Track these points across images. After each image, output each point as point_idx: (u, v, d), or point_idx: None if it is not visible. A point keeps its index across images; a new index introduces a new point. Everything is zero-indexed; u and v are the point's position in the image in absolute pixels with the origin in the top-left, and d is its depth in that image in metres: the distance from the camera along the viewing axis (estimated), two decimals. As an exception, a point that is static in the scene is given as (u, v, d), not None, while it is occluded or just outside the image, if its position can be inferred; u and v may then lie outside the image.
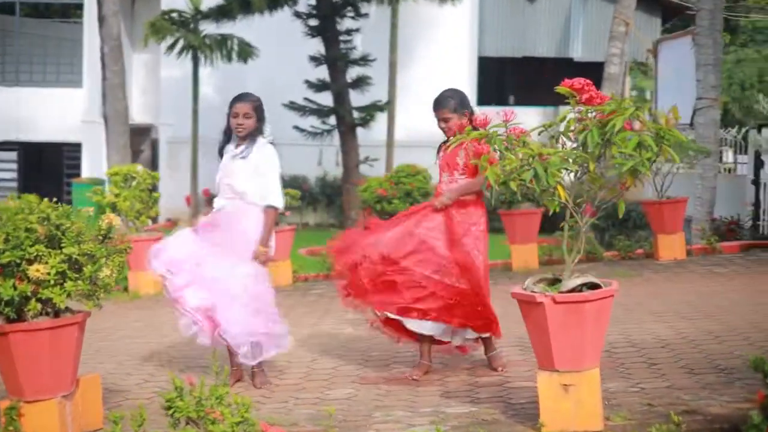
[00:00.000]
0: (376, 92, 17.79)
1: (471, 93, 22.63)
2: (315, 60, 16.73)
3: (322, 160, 21.74)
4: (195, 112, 19.72)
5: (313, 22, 16.83)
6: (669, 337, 6.87)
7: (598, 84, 25.41)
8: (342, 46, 16.70)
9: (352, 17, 16.94)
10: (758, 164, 14.20)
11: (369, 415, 5.39)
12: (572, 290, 4.69)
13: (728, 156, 19.84)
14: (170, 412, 4.47)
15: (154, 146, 24.14)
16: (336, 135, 18.01)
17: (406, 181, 10.84)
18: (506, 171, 4.49)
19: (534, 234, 11.19)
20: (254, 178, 6.20)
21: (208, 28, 18.10)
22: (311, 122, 18.19)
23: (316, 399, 5.88)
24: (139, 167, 11.43)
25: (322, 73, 17.54)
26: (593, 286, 4.74)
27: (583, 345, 4.67)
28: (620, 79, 19.43)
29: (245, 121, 6.24)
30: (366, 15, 16.94)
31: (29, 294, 4.76)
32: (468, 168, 6.08)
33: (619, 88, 19.35)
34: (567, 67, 22.69)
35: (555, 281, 4.94)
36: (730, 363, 5.94)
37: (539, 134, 4.85)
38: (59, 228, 4.78)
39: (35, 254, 4.74)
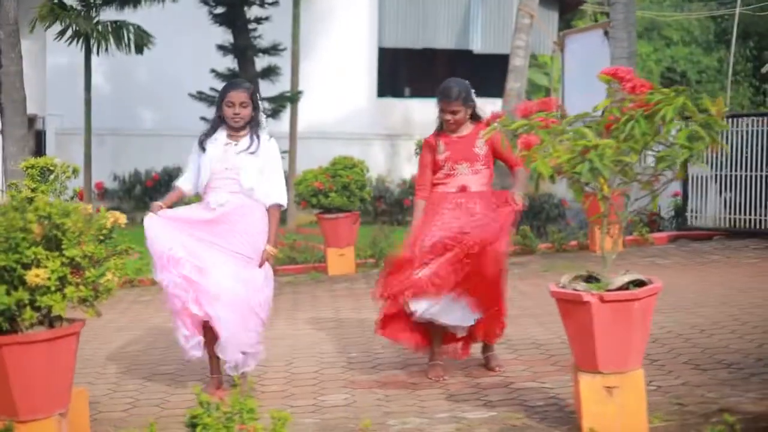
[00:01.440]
0: (279, 83, 17.33)
1: (371, 84, 22.40)
2: (223, 49, 16.13)
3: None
4: (87, 102, 18.75)
5: (220, 10, 16.22)
6: (653, 332, 6.74)
7: (500, 76, 25.31)
8: (251, 34, 16.15)
9: (260, 5, 16.40)
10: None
11: (383, 423, 5.06)
12: (620, 288, 4.47)
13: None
14: (197, 430, 4.05)
15: (39, 138, 22.98)
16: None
17: (343, 173, 10.48)
18: (557, 163, 4.22)
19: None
20: (260, 175, 5.83)
21: (107, 14, 17.24)
22: (207, 112, 17.53)
23: (313, 407, 5.51)
24: (57, 159, 10.69)
25: (224, 62, 16.95)
26: (638, 283, 4.54)
27: (628, 345, 4.46)
28: (525, 72, 19.52)
29: (242, 111, 5.82)
30: (276, 3, 16.43)
31: (26, 302, 4.25)
32: (486, 157, 5.93)
33: (524, 80, 19.44)
34: (467, 59, 22.71)
35: (589, 278, 4.73)
36: (733, 358, 5.85)
37: (570, 125, 4.62)
38: (59, 227, 4.28)
39: (33, 257, 4.23)
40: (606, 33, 16.20)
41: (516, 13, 18.33)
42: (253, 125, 5.89)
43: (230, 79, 16.16)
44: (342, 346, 7.02)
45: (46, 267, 4.23)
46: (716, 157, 11.59)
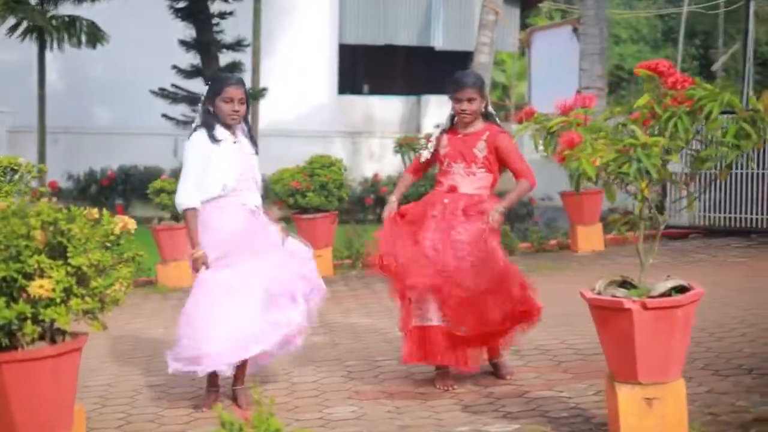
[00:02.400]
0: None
1: (332, 82, 22.08)
2: (185, 45, 15.69)
3: (177, 151, 20.67)
4: (41, 99, 18.20)
5: (182, 4, 15.78)
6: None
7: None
8: (214, 29, 15.73)
9: (223, 0, 16.00)
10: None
11: (402, 437, 4.79)
12: (662, 294, 4.25)
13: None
14: (221, 453, 3.73)
15: (-15, 135, 22.32)
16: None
17: (321, 172, 10.16)
18: (601, 163, 3.98)
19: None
20: None
21: (64, 8, 16.71)
22: (167, 109, 17.07)
23: (321, 420, 5.22)
24: (21, 159, 10.24)
25: (185, 58, 16.52)
26: (679, 289, 4.32)
27: (669, 354, 4.24)
28: (490, 69, 19.37)
29: (241, 108, 5.51)
30: (240, -3, 16.05)
31: (27, 315, 3.90)
32: (487, 161, 5.61)
33: (489, 77, 19.29)
34: (428, 56, 22.49)
35: (624, 283, 4.50)
36: (752, 363, 5.66)
37: (605, 121, 4.39)
38: (64, 234, 3.93)
39: (36, 267, 3.88)
40: (575, 30, 16.11)
41: (480, 9, 18.15)
42: (244, 124, 5.63)
43: (193, 76, 15.77)
44: (338, 354, 6.73)
45: (50, 277, 3.90)
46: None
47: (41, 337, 4.06)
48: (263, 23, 17.60)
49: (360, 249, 10.77)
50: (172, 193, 10.63)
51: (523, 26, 25.43)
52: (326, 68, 21.71)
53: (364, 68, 23.22)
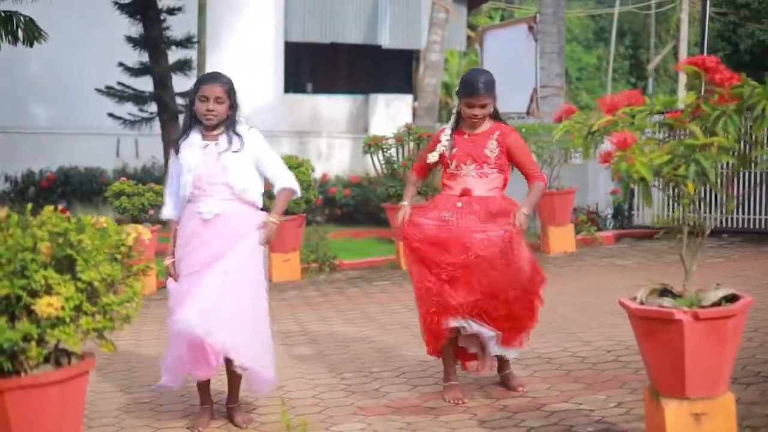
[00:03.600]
0: (194, 78, 16.42)
1: (277, 80, 21.63)
2: (132, 41, 15.11)
3: (119, 151, 20.08)
4: (-24, 98, 17.57)
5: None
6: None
7: (408, 72, 25.00)
8: (163, 25, 15.18)
9: (172, -6, 15.47)
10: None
11: (423, 458, 4.49)
12: (713, 304, 4.01)
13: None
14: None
15: None
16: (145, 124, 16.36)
17: (288, 174, 9.76)
18: (654, 165, 3.72)
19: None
20: (252, 171, 5.14)
21: (4, 4, 16.01)
22: (111, 108, 16.46)
23: (330, 439, 4.90)
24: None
25: (132, 55, 15.95)
26: (729, 298, 4.08)
27: (719, 367, 4.00)
28: (441, 67, 19.17)
29: (217, 107, 5.09)
30: (189, -8, 15.54)
31: (33, 336, 3.51)
32: (499, 161, 5.32)
33: (440, 76, 19.09)
34: (374, 54, 22.17)
35: (664, 292, 4.26)
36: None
37: (646, 119, 4.14)
38: (73, 246, 3.54)
39: (43, 283, 3.49)
40: (531, 28, 15.95)
41: (426, 8, 17.97)
42: (228, 124, 5.18)
43: (141, 73, 15.20)
44: (330, 366, 6.39)
45: (58, 294, 3.51)
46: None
47: (45, 359, 3.67)
48: (209, 20, 17.12)
49: (327, 253, 10.44)
50: (132, 195, 10.20)
51: (469, 25, 25.26)
52: (272, 66, 21.28)
53: (310, 66, 22.80)
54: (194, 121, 5.20)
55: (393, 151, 10.96)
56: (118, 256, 3.73)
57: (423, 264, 5.26)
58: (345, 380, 5.98)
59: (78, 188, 19.69)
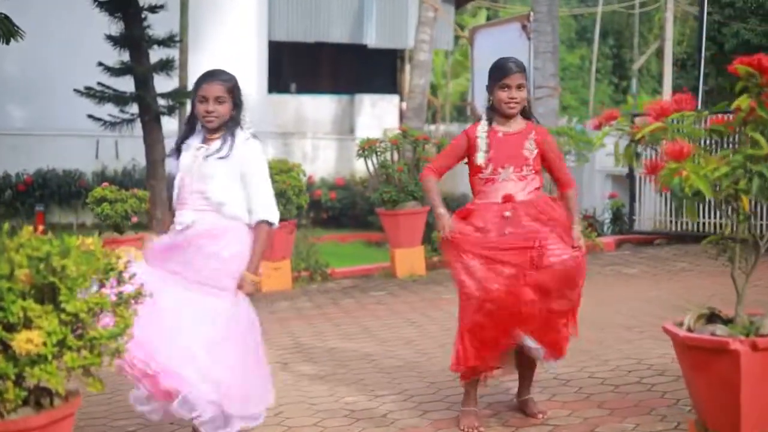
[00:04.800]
0: (176, 77, 15.93)
1: (261, 80, 21.18)
2: (113, 40, 14.60)
3: (99, 153, 19.57)
4: (-49, 98, 17.03)
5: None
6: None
7: (393, 72, 24.60)
8: (145, 24, 14.68)
9: (153, -7, 14.95)
10: (633, 157, 13.89)
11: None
12: (772, 332, 3.61)
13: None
14: None
15: None
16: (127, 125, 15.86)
17: (279, 178, 9.35)
18: (711, 177, 3.31)
19: (419, 236, 10.07)
20: (236, 184, 4.62)
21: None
22: (90, 109, 15.94)
23: (338, 475, 4.47)
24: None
25: (113, 54, 15.45)
26: (785, 324, 3.69)
27: (776, 401, 3.61)
28: (429, 67, 18.78)
29: (217, 108, 4.63)
30: (171, -10, 15.04)
31: (11, 376, 3.07)
32: (536, 162, 4.89)
33: (428, 75, 18.69)
34: (360, 54, 21.76)
35: (712, 317, 3.86)
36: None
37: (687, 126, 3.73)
38: (55, 272, 3.10)
39: (21, 315, 3.05)
40: (524, 27, 15.52)
41: (412, 7, 17.57)
42: (230, 125, 4.75)
43: (122, 73, 14.69)
44: (329, 387, 5.95)
45: (39, 328, 3.06)
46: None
47: (24, 401, 3.22)
48: (191, 18, 16.67)
49: (319, 261, 10.01)
50: (115, 202, 9.73)
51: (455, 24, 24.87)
52: (255, 66, 20.84)
53: (294, 66, 22.36)
54: (197, 122, 4.77)
55: (388, 155, 10.51)
56: (106, 282, 3.29)
57: (487, 267, 4.76)
58: (348, 405, 5.54)
59: (56, 191, 19.18)
